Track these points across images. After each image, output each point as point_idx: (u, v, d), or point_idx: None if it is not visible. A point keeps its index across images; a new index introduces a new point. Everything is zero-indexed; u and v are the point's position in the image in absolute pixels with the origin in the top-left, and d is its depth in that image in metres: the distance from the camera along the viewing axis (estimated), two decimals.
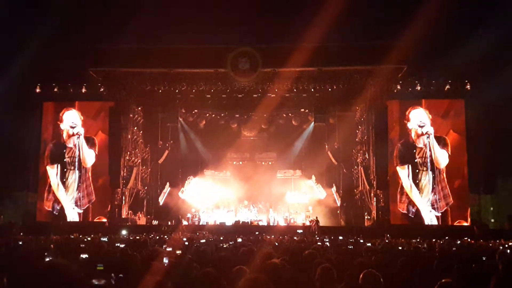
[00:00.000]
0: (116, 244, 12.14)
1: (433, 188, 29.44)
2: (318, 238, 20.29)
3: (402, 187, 29.72)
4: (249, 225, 30.51)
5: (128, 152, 31.28)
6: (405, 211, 29.45)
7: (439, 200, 29.32)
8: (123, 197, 30.56)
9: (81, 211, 30.55)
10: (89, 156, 30.89)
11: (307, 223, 30.92)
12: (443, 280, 4.62)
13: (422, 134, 29.73)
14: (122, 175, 30.37)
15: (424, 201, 29.35)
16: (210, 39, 28.89)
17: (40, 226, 27.05)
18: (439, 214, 29.26)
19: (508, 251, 11.89)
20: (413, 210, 29.28)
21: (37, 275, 2.06)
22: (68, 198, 30.47)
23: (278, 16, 29.89)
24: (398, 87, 30.35)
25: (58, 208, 30.44)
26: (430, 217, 29.17)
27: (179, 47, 28.81)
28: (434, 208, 29.33)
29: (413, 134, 30.04)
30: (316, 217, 30.39)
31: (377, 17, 28.61)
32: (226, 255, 8.05)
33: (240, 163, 36.48)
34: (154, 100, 33.00)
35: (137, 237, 18.65)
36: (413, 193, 29.52)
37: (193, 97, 32.35)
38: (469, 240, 19.81)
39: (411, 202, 29.44)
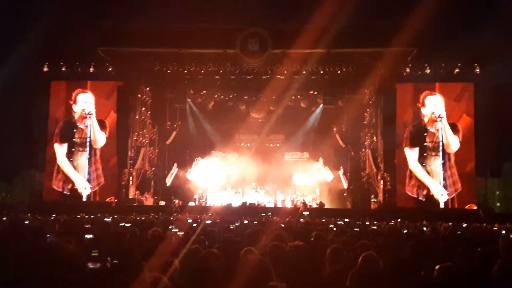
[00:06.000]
0: (121, 224, 12.15)
1: (443, 173, 29.27)
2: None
3: (410, 170, 29.64)
4: (256, 207, 30.59)
5: (136, 133, 31.35)
6: (414, 195, 29.40)
7: (449, 186, 29.19)
8: (130, 178, 30.66)
9: (89, 192, 30.49)
10: (100, 137, 30.77)
11: (314, 205, 31.13)
12: (443, 264, 4.63)
13: (436, 119, 29.41)
14: (129, 155, 30.47)
15: (435, 183, 29.24)
16: (220, 19, 28.72)
17: (47, 205, 27.08)
18: (448, 198, 29.14)
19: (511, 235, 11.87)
20: (424, 193, 29.20)
21: (34, 255, 2.08)
22: (79, 177, 30.51)
23: None
24: (408, 70, 30.10)
25: (69, 187, 30.38)
26: (442, 200, 29.05)
27: (188, 27, 28.68)
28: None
29: (426, 119, 29.77)
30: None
31: None
32: (232, 236, 8.09)
33: (248, 144, 36.40)
34: (163, 81, 32.89)
35: (143, 218, 18.68)
36: (422, 176, 29.40)
37: (202, 78, 32.23)
38: (474, 224, 19.80)
39: (421, 185, 29.38)
